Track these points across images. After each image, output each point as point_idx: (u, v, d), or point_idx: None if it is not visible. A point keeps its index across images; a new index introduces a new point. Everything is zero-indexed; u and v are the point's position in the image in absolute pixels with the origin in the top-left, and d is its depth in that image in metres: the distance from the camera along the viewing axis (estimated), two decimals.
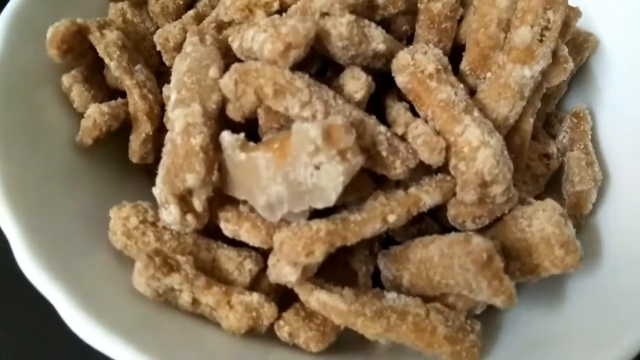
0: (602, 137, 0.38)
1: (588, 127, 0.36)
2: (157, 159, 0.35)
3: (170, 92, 0.31)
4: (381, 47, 0.30)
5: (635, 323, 0.29)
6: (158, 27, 0.38)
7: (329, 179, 0.27)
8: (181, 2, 0.37)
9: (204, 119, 0.29)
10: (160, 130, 0.36)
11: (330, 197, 0.27)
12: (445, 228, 0.32)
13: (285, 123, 0.30)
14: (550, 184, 0.36)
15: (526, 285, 0.31)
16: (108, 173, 0.36)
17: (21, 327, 0.38)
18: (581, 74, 0.39)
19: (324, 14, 0.30)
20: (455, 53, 0.34)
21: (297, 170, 0.27)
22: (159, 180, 0.29)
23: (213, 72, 0.31)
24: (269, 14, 0.32)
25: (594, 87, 0.39)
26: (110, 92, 0.37)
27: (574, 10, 0.35)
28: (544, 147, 0.37)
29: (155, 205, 0.31)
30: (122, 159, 0.36)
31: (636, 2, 0.38)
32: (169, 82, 0.37)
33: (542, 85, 0.33)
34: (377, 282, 0.32)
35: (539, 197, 0.35)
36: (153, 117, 0.35)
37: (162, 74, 0.38)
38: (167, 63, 0.36)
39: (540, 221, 0.28)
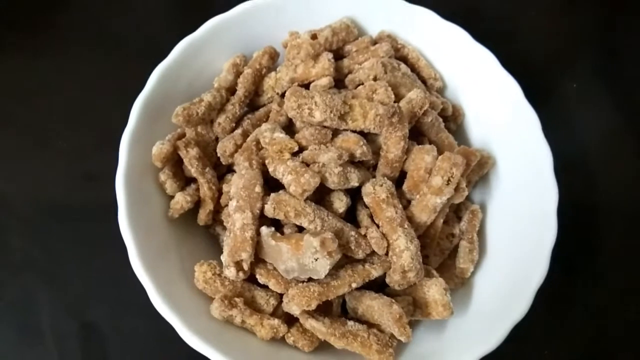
0: (488, 224, 0.61)
1: (478, 222, 0.59)
2: (213, 221, 0.58)
3: (231, 198, 0.53)
4: (356, 184, 0.53)
5: (484, 340, 0.54)
6: (217, 137, 0.59)
7: (321, 266, 0.49)
8: (234, 125, 0.58)
9: (253, 220, 0.52)
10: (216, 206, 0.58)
11: (321, 275, 0.50)
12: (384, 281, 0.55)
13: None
14: (452, 253, 0.60)
15: (422, 321, 0.55)
16: (185, 230, 0.59)
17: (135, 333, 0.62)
18: (482, 181, 0.62)
19: (323, 165, 0.52)
20: (400, 176, 0.57)
21: (304, 258, 0.50)
22: (225, 253, 0.51)
23: (257, 189, 0.53)
24: (292, 152, 0.54)
25: (489, 190, 0.62)
26: (186, 178, 0.59)
27: (486, 162, 0.58)
28: (451, 229, 0.60)
29: (219, 261, 0.54)
30: (192, 219, 0.59)
31: (520, 140, 0.60)
32: (223, 173, 0.59)
33: (449, 202, 0.56)
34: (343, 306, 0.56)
35: (443, 263, 0.60)
36: (214, 199, 0.57)
37: (218, 166, 0.60)
38: (224, 163, 0.58)
39: (433, 290, 0.52)
